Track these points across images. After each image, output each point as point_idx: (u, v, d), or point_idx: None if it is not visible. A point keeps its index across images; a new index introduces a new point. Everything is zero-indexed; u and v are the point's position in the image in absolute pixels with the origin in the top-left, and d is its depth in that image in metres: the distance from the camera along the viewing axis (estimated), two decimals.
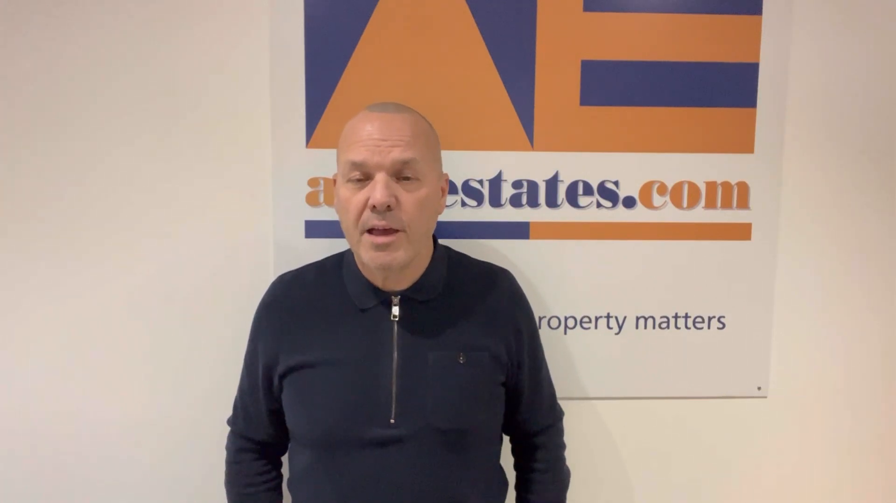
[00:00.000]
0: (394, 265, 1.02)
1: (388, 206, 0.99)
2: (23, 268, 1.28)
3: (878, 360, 1.42)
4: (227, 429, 1.20)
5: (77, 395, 1.31)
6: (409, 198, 1.01)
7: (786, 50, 1.32)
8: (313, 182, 1.29)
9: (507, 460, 1.22)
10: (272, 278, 1.21)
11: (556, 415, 1.23)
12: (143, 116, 1.26)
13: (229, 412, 1.20)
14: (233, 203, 1.29)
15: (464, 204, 1.31)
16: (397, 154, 1.00)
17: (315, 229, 1.30)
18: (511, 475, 1.22)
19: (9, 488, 1.31)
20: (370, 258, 1.02)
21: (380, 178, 0.99)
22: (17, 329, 1.29)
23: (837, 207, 1.37)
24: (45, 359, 1.30)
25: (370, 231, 1.01)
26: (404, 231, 1.01)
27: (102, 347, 1.30)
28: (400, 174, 1.01)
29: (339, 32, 1.26)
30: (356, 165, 1.01)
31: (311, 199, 1.29)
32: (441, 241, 1.16)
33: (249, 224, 1.29)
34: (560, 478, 1.21)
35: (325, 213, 1.29)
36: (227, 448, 1.19)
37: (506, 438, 1.22)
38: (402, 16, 1.26)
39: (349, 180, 1.02)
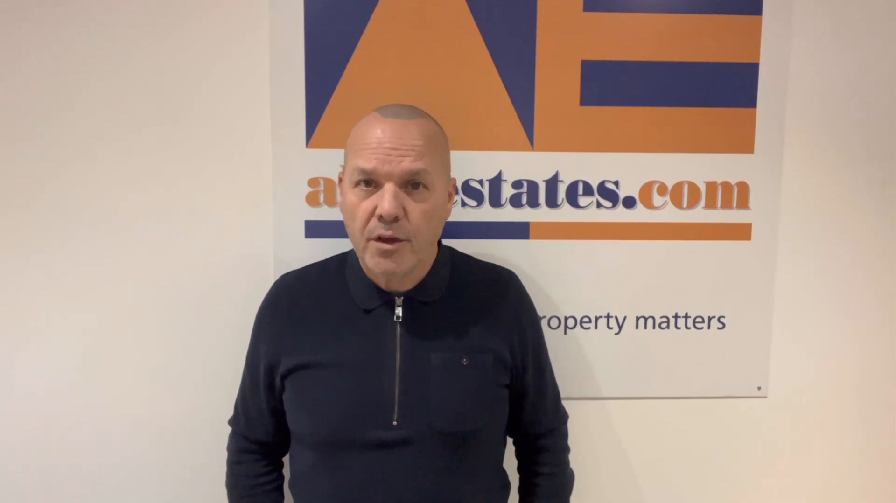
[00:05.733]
0: (397, 272, 1.02)
1: (396, 217, 0.98)
2: (23, 270, 1.28)
3: (878, 360, 1.42)
4: (228, 429, 1.20)
5: (77, 396, 1.30)
6: (416, 208, 1.00)
7: (786, 50, 1.32)
8: (313, 182, 1.29)
9: (511, 462, 1.22)
10: (272, 278, 1.21)
11: (560, 418, 1.23)
12: (143, 117, 1.26)
13: (229, 412, 1.20)
14: (233, 203, 1.29)
15: (464, 204, 1.31)
16: (407, 164, 0.99)
17: (315, 229, 1.30)
18: (514, 477, 1.22)
19: (10, 487, 1.31)
20: (374, 264, 1.02)
21: (388, 188, 0.99)
22: (18, 332, 1.29)
23: (837, 207, 1.37)
24: (46, 361, 1.29)
25: (377, 238, 1.00)
26: (409, 240, 1.01)
27: (101, 347, 1.30)
28: (409, 183, 1.01)
29: (339, 32, 1.26)
30: (365, 172, 1.00)
31: (311, 199, 1.29)
32: (444, 242, 1.16)
33: (249, 224, 1.29)
34: (563, 481, 1.20)
35: (325, 213, 1.29)
36: (229, 449, 1.19)
37: (509, 440, 1.22)
38: (402, 16, 1.26)
39: (357, 185, 1.01)
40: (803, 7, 1.31)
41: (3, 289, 1.28)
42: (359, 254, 1.06)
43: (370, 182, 1.00)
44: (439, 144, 1.05)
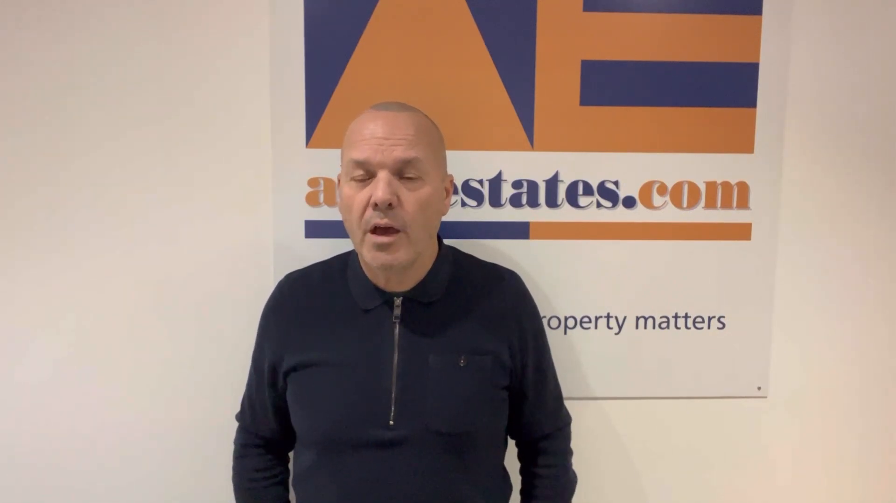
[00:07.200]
0: (395, 265, 1.02)
1: (390, 204, 0.99)
2: (24, 270, 1.28)
3: (878, 360, 1.42)
4: (234, 426, 1.20)
5: (80, 396, 1.30)
6: (410, 196, 1.01)
7: (786, 50, 1.32)
8: (313, 182, 1.29)
9: (514, 464, 1.22)
10: (272, 278, 1.21)
11: (562, 420, 1.22)
12: (143, 116, 1.26)
13: (233, 409, 1.21)
14: (233, 203, 1.29)
15: (464, 204, 1.31)
16: (399, 153, 1.00)
17: (315, 229, 1.30)
18: (516, 478, 1.22)
19: (14, 487, 1.31)
20: (372, 257, 1.02)
21: (382, 176, 1.00)
22: (20, 332, 1.29)
23: (837, 207, 1.37)
24: (47, 362, 1.30)
25: (373, 230, 1.01)
26: (405, 231, 1.01)
27: (102, 347, 1.30)
28: (402, 173, 1.01)
29: (339, 32, 1.26)
30: (359, 164, 1.01)
31: (311, 199, 1.29)
32: (445, 242, 1.16)
33: (249, 224, 1.29)
34: (564, 484, 1.19)
35: (325, 213, 1.29)
36: (235, 442, 1.20)
37: (512, 441, 1.22)
38: (402, 16, 1.26)
39: (352, 178, 1.02)
40: (803, 7, 1.31)
41: (3, 290, 1.28)
42: (357, 250, 1.06)
43: (365, 174, 1.01)
44: (432, 136, 1.06)
